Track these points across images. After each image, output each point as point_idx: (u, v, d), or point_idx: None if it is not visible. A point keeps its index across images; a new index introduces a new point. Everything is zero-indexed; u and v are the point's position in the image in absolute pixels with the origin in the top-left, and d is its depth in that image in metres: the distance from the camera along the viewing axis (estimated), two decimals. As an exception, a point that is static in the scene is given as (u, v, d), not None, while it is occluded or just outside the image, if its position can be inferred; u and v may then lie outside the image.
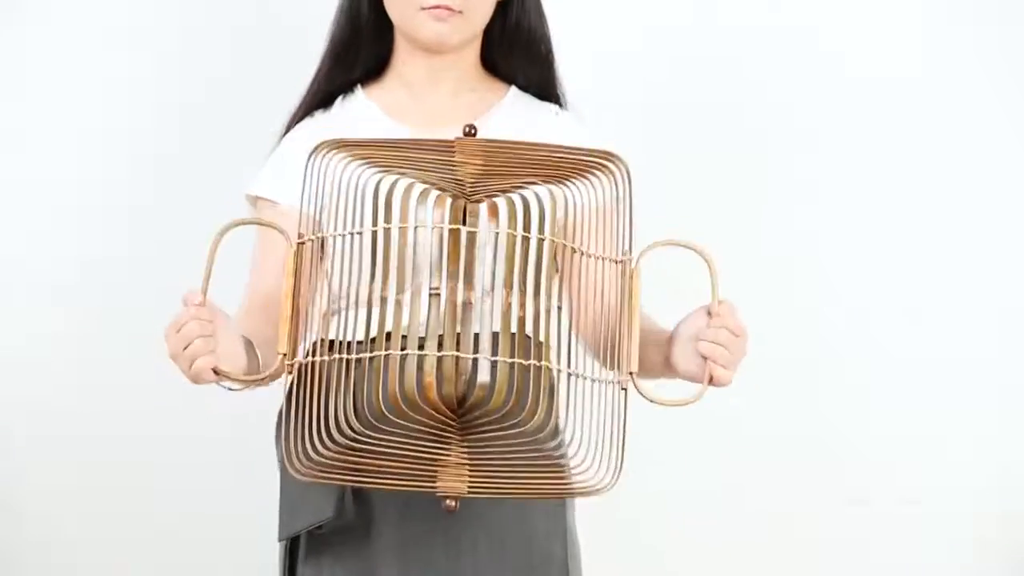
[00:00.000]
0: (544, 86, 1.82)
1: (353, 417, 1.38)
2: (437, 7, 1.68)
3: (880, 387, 2.54)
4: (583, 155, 1.48)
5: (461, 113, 1.76)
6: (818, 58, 2.56)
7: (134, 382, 2.47)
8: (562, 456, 1.44)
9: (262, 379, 1.47)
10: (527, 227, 1.42)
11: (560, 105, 1.82)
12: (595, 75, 2.01)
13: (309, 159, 1.49)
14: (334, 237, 1.46)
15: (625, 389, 1.47)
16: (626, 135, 1.84)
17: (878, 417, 2.54)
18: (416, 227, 1.43)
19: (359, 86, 1.80)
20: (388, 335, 1.41)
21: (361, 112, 1.78)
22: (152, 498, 2.48)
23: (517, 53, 1.80)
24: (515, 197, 1.45)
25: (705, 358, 1.50)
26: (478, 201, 1.45)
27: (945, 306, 2.54)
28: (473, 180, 1.46)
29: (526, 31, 1.79)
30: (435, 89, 1.77)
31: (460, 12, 1.69)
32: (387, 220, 1.43)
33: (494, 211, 1.44)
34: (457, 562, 1.61)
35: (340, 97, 1.80)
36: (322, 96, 1.80)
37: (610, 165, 1.48)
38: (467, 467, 1.41)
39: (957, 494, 2.53)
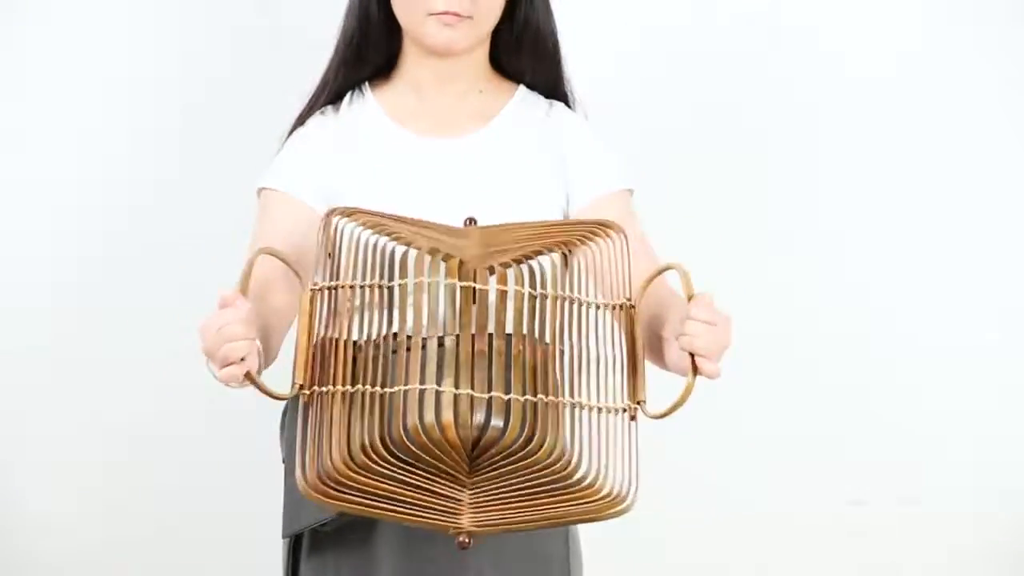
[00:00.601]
0: (553, 85, 1.82)
1: (377, 440, 1.40)
2: (446, 13, 1.68)
3: (880, 387, 2.54)
4: (581, 226, 1.59)
5: (469, 115, 1.76)
6: (818, 57, 2.56)
7: (134, 382, 2.47)
8: (575, 482, 1.45)
9: (283, 398, 1.47)
10: (533, 285, 1.49)
11: (568, 103, 1.83)
12: (596, 73, 2.01)
13: (323, 221, 1.52)
14: (348, 288, 1.49)
15: (634, 418, 1.49)
16: (625, 133, 1.85)
17: (878, 417, 2.54)
18: (429, 283, 1.47)
19: (367, 85, 1.80)
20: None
21: (367, 115, 1.78)
22: (153, 497, 2.48)
23: (525, 52, 1.79)
24: (523, 267, 1.51)
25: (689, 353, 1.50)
26: (488, 269, 1.51)
27: (945, 306, 2.55)
28: (479, 258, 1.52)
29: (534, 30, 1.78)
30: (443, 91, 1.76)
31: (469, 17, 1.69)
32: (402, 277, 1.48)
33: (503, 278, 1.49)
34: (459, 560, 1.61)
35: (349, 95, 1.80)
36: (332, 95, 1.80)
37: (608, 231, 1.58)
38: (481, 504, 1.43)
39: (957, 494, 2.53)
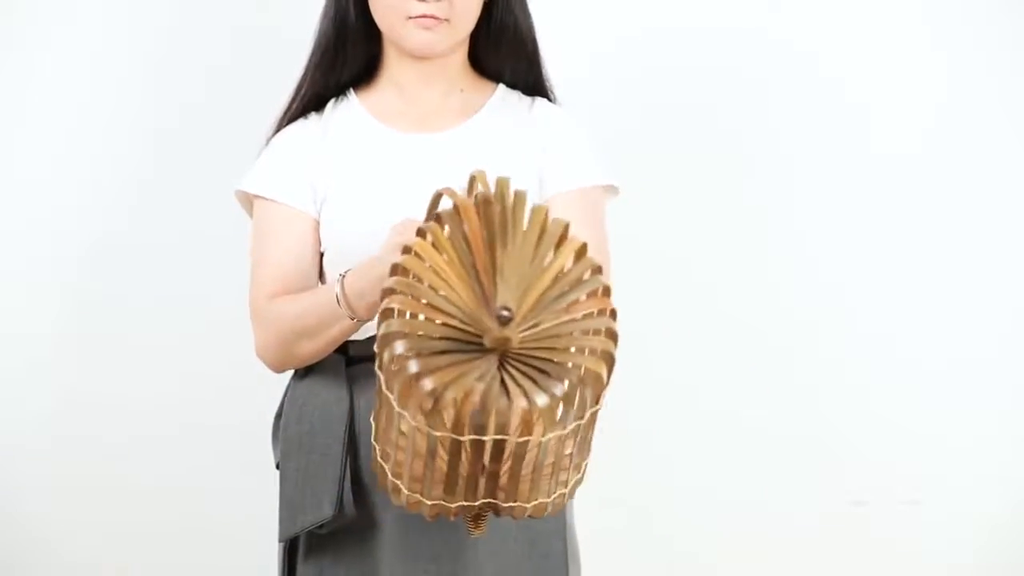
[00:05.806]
0: (532, 82, 1.84)
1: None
2: (423, 16, 1.71)
3: (880, 387, 2.54)
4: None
5: (451, 112, 1.79)
6: (792, 58, 2.54)
7: (134, 382, 2.48)
8: None
9: None
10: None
11: (549, 100, 1.84)
12: (570, 74, 2.00)
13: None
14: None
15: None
16: (599, 134, 1.86)
17: (878, 417, 2.54)
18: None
19: (352, 90, 1.81)
20: None
21: (352, 116, 1.80)
22: (152, 499, 2.48)
23: (503, 51, 1.82)
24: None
25: None
26: None
27: (945, 306, 2.54)
28: None
29: (511, 28, 1.80)
30: (426, 91, 1.79)
31: (446, 20, 1.72)
32: None
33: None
34: (458, 560, 1.62)
35: (332, 100, 1.81)
36: (311, 99, 1.81)
37: None
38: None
39: (957, 494, 2.53)
